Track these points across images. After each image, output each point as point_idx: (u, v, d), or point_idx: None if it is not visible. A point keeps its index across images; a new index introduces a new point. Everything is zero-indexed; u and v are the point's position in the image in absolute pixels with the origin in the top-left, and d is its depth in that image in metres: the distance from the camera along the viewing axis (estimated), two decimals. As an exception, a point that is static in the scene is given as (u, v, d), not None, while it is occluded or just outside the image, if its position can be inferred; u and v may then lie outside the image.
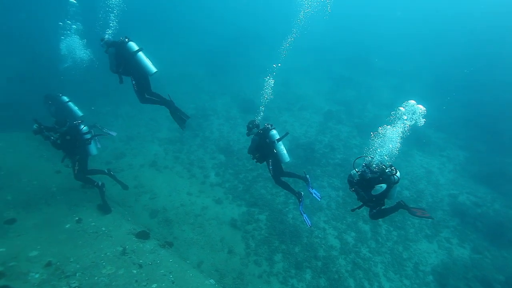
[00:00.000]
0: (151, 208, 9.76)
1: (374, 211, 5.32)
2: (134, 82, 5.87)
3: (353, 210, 5.49)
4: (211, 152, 13.16)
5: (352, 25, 35.90)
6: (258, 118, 7.15)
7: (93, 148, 6.86)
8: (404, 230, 9.71)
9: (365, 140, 14.84)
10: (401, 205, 5.33)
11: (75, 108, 8.23)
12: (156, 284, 4.84)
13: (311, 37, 23.16)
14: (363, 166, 4.98)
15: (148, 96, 6.15)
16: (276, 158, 6.20)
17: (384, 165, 4.98)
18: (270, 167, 6.29)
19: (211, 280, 5.55)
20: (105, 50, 5.76)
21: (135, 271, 5.04)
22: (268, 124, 6.19)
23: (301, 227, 9.76)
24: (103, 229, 6.07)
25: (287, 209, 10.53)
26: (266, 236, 9.32)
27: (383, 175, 4.88)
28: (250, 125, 6.25)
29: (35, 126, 6.04)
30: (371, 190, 4.92)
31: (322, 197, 11.14)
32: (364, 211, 10.25)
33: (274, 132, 6.05)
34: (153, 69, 5.72)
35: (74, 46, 8.68)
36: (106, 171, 7.40)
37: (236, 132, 14.70)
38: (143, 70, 5.70)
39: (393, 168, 4.97)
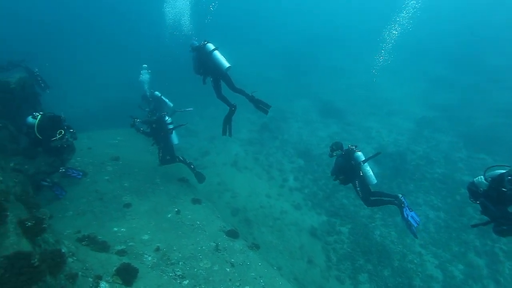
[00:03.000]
0: (233, 206, 10.16)
1: (505, 227, 4.12)
2: (211, 79, 6.38)
3: (474, 226, 4.40)
4: (289, 155, 13.00)
5: (452, 15, 30.68)
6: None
7: (174, 138, 7.86)
8: (538, 273, 7.57)
9: (474, 153, 12.31)
10: None
11: (167, 100, 9.82)
12: (248, 287, 4.86)
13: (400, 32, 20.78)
14: (501, 175, 3.84)
15: (223, 95, 6.63)
16: (363, 180, 5.88)
17: None
18: (358, 189, 5.98)
19: (300, 293, 5.30)
20: (192, 56, 6.48)
21: (228, 269, 5.19)
22: (352, 146, 5.97)
23: (391, 247, 8.66)
24: (198, 223, 6.50)
25: (373, 224, 9.52)
26: (349, 251, 8.60)
27: None
28: (334, 147, 6.09)
29: (132, 121, 7.49)
30: (508, 206, 3.81)
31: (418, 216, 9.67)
32: (477, 241, 8.45)
33: (359, 153, 5.82)
34: (226, 64, 6.07)
35: (183, 12, 9.74)
36: (187, 161, 8.36)
37: (316, 136, 14.18)
38: (218, 67, 6.11)
39: None
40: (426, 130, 14.22)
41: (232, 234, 6.32)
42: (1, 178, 3.43)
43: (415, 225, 5.55)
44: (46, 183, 5.99)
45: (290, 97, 18.08)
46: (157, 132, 7.73)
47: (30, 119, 5.29)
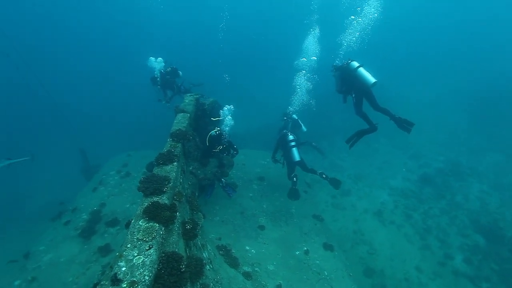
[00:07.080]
0: (368, 264, 8.56)
1: None
2: (353, 95, 6.20)
3: None
4: (461, 225, 9.68)
5: None
6: None
7: (295, 155, 8.20)
8: None
9: None
10: None
11: (302, 124, 10.40)
12: None
13: None
14: None
15: (364, 111, 6.21)
16: None
17: None
18: None
19: None
20: (333, 74, 6.56)
21: None
22: None
23: None
24: (326, 273, 5.76)
25: None
26: None
27: None
28: None
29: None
30: None
31: None
32: None
33: None
34: (371, 79, 5.86)
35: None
36: (318, 173, 8.22)
37: (514, 210, 9.89)
38: (363, 83, 5.95)
39: None
40: None
41: (364, 307, 5.10)
42: (181, 181, 4.26)
43: None
44: (221, 184, 7.28)
45: (473, 148, 13.83)
46: (281, 148, 8.59)
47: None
